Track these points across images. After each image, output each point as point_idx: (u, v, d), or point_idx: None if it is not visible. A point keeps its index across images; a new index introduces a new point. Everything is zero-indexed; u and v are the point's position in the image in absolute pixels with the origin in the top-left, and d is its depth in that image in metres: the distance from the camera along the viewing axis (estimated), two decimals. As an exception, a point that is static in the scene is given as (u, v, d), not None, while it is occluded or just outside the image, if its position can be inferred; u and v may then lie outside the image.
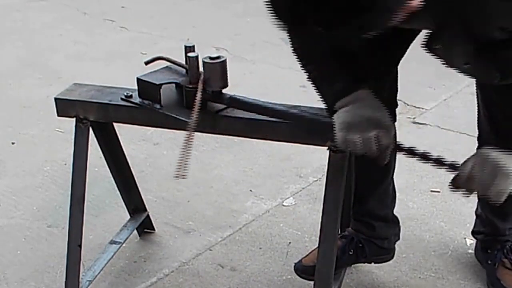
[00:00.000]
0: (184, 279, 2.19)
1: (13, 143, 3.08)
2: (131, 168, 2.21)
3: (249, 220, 2.47)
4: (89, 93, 1.88)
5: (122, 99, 1.81)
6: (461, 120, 3.05)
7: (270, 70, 3.71)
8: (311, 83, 1.60)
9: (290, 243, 2.33)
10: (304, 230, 2.39)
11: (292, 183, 2.68)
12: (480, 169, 1.41)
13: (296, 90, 3.21)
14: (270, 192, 2.62)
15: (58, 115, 1.91)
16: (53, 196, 2.64)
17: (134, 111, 1.80)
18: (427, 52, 1.39)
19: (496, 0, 1.23)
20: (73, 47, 4.24)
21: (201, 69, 1.68)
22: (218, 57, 1.66)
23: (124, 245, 2.24)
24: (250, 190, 2.65)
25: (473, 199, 1.78)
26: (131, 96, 1.80)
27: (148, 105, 1.76)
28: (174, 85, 1.76)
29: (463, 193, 1.45)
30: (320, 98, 1.60)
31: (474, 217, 2.13)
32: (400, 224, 2.09)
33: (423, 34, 1.40)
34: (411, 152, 1.54)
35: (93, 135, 1.95)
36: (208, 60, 1.65)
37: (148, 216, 2.35)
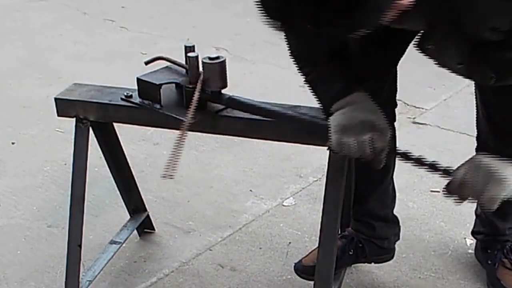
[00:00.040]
0: (184, 279, 2.19)
1: (13, 143, 3.08)
2: (131, 168, 2.21)
3: (249, 220, 2.47)
4: (89, 93, 1.88)
5: (122, 99, 1.81)
6: (461, 120, 3.05)
7: (270, 70, 3.71)
8: (308, 86, 1.60)
9: (290, 243, 2.33)
10: (304, 230, 2.39)
11: (292, 183, 2.68)
12: (473, 175, 1.40)
13: (296, 90, 3.21)
14: (270, 192, 2.63)
15: (58, 115, 1.91)
16: (53, 196, 2.64)
17: (134, 111, 1.80)
18: (420, 52, 1.39)
19: (487, 0, 1.23)
20: (73, 47, 4.24)
21: (201, 69, 1.68)
22: (217, 57, 1.66)
23: (124, 245, 2.24)
24: (250, 190, 2.65)
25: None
26: (131, 96, 1.80)
27: (148, 105, 1.76)
28: (174, 85, 1.76)
29: (456, 199, 1.45)
30: (317, 100, 1.59)
31: (474, 217, 2.13)
32: (400, 224, 2.09)
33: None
34: (406, 156, 1.53)
35: (93, 135, 1.95)
36: (207, 61, 1.65)
37: (148, 216, 2.35)
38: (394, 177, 2.03)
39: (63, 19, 4.75)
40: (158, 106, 1.74)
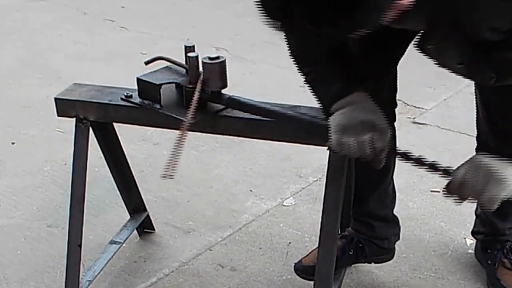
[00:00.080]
0: (184, 279, 2.19)
1: (13, 143, 3.08)
2: (131, 168, 2.21)
3: (249, 220, 2.47)
4: (89, 93, 1.88)
5: (122, 99, 1.81)
6: (461, 120, 3.05)
7: (270, 70, 3.71)
8: (308, 86, 1.60)
9: (290, 243, 2.33)
10: (304, 230, 2.39)
11: (292, 183, 2.68)
12: (472, 175, 1.40)
13: (296, 90, 3.20)
14: (270, 192, 2.63)
15: (58, 115, 1.91)
16: (53, 196, 2.64)
17: (134, 111, 1.80)
18: (420, 52, 1.39)
19: (487, 0, 1.22)
20: (73, 47, 4.24)
21: (201, 69, 1.68)
22: (217, 57, 1.66)
23: (124, 245, 2.24)
24: (250, 190, 2.65)
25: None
26: (131, 96, 1.80)
27: (148, 105, 1.76)
28: (174, 85, 1.76)
29: (456, 199, 1.45)
30: (317, 100, 1.59)
31: (474, 217, 2.13)
32: (400, 224, 2.09)
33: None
34: (406, 156, 1.53)
35: (93, 135, 1.95)
36: (207, 61, 1.65)
37: (148, 216, 2.35)
38: (394, 177, 2.03)
39: (63, 19, 4.75)
40: (158, 106, 1.74)
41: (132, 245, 2.34)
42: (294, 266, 2.12)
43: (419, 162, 1.52)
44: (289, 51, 1.60)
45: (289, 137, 1.69)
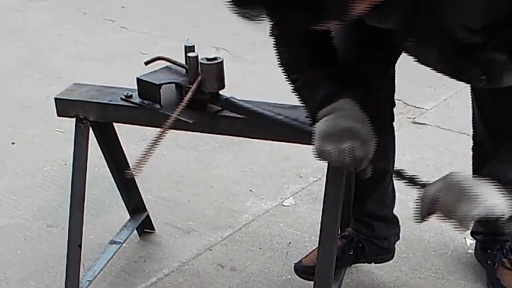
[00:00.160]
0: (184, 279, 2.19)
1: (13, 143, 3.08)
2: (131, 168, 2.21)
3: (249, 220, 2.47)
4: (89, 93, 1.88)
5: (122, 99, 1.81)
6: (461, 120, 3.05)
7: (270, 70, 3.67)
8: (295, 94, 1.58)
9: (290, 243, 2.33)
10: (304, 230, 2.39)
11: (292, 183, 2.68)
12: (445, 192, 1.35)
13: (296, 90, 3.21)
14: (270, 192, 2.63)
15: (58, 115, 1.91)
16: (53, 196, 2.64)
17: (134, 111, 1.80)
18: (399, 47, 1.38)
19: None
20: (73, 47, 4.24)
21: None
22: (215, 58, 1.65)
23: (124, 245, 2.24)
24: (250, 190, 2.65)
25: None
26: (131, 96, 1.80)
27: (148, 105, 1.76)
28: (174, 85, 1.76)
29: (425, 216, 1.40)
30: (304, 107, 1.58)
31: (474, 217, 2.13)
32: (400, 224, 2.09)
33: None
34: (400, 174, 1.49)
35: (93, 135, 1.95)
36: (204, 61, 1.64)
37: (148, 216, 2.35)
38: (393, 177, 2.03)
39: (63, 19, 4.75)
40: (158, 106, 1.74)
41: (132, 245, 2.34)
42: (294, 266, 2.12)
43: (399, 174, 1.49)
44: (278, 60, 1.59)
45: (289, 137, 1.69)
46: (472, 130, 1.87)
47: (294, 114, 1.62)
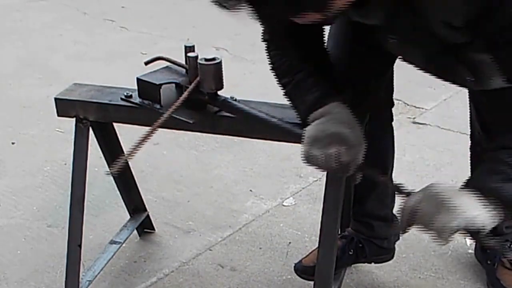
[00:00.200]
0: (184, 279, 2.19)
1: (13, 143, 3.08)
2: (131, 168, 2.21)
3: (249, 220, 2.47)
4: (89, 93, 1.88)
5: (122, 99, 1.81)
6: (461, 120, 3.04)
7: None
8: (287, 98, 1.57)
9: (290, 243, 2.33)
10: (304, 230, 2.39)
11: (292, 183, 2.68)
12: (424, 203, 1.31)
13: (296, 90, 3.21)
14: (270, 192, 2.63)
15: (58, 115, 1.91)
16: (53, 196, 2.64)
17: (134, 111, 1.80)
18: (382, 44, 1.37)
19: None
20: (73, 47, 4.24)
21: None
22: (213, 59, 1.64)
23: (124, 245, 2.24)
24: (250, 190, 2.65)
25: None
26: (131, 96, 1.80)
27: (148, 105, 1.76)
28: (174, 85, 1.76)
29: (405, 227, 1.36)
30: (295, 111, 1.56)
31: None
32: (400, 224, 2.09)
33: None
34: (398, 189, 1.48)
35: (93, 135, 1.95)
36: (203, 62, 1.64)
37: (148, 216, 2.35)
38: (394, 177, 2.03)
39: (63, 19, 4.75)
40: (158, 106, 1.74)
41: (132, 245, 2.34)
42: (294, 266, 2.12)
43: (385, 184, 1.48)
44: (270, 64, 1.58)
45: (289, 137, 1.69)
46: (469, 130, 1.87)
47: (292, 114, 1.62)
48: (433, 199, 1.29)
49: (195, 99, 1.68)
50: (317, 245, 1.77)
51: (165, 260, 2.28)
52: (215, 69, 1.64)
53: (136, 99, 1.79)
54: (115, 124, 2.02)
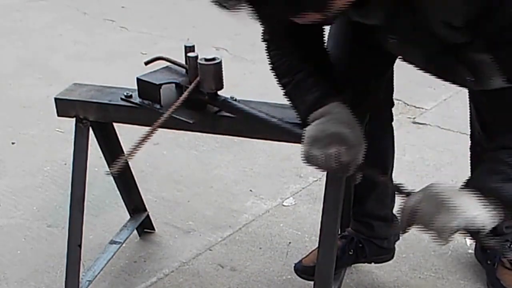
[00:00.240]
0: (184, 279, 2.19)
1: (13, 143, 3.08)
2: (131, 168, 2.21)
3: (249, 220, 2.47)
4: (89, 93, 1.88)
5: (122, 99, 1.81)
6: (461, 120, 3.04)
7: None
8: (287, 98, 1.57)
9: (290, 243, 2.33)
10: (304, 230, 2.39)
11: (292, 183, 2.68)
12: (424, 203, 1.31)
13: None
14: (270, 192, 2.63)
15: (58, 115, 1.91)
16: (53, 196, 2.64)
17: (134, 111, 1.80)
18: (382, 44, 1.37)
19: None
20: (73, 47, 4.24)
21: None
22: (213, 59, 1.64)
23: (124, 245, 2.24)
24: (250, 190, 2.65)
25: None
26: (131, 96, 1.80)
27: (148, 105, 1.76)
28: (174, 85, 1.76)
29: (405, 227, 1.36)
30: (295, 111, 1.56)
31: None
32: (400, 224, 2.09)
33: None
34: (398, 189, 1.49)
35: (93, 135, 1.95)
36: (203, 62, 1.64)
37: (148, 216, 2.35)
38: (393, 177, 2.03)
39: (63, 19, 4.75)
40: (158, 106, 1.74)
41: (132, 245, 2.34)
42: (294, 266, 2.12)
43: (385, 184, 1.47)
44: (270, 64, 1.58)
45: (289, 137, 1.69)
46: (470, 130, 1.87)
47: (292, 114, 1.62)
48: (433, 199, 1.29)
49: (195, 99, 1.68)
50: (317, 245, 1.77)
51: (165, 260, 2.28)
52: (215, 69, 1.64)
53: (136, 99, 1.79)
54: (115, 124, 2.02)
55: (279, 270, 2.20)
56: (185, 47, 1.69)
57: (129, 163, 2.19)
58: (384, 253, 2.09)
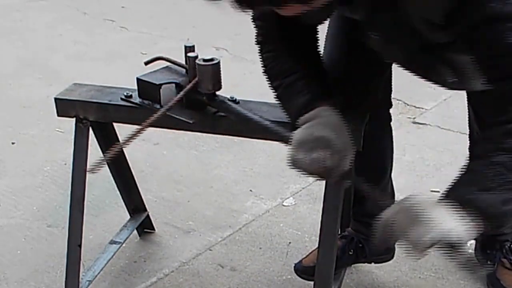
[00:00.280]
0: (184, 279, 2.19)
1: (13, 143, 3.08)
2: (131, 168, 2.21)
3: (249, 220, 2.47)
4: (89, 93, 1.88)
5: (122, 99, 1.81)
6: (461, 120, 3.02)
7: (270, 70, 3.70)
8: (278, 101, 1.56)
9: (290, 243, 2.33)
10: (304, 230, 2.39)
11: (292, 183, 2.68)
12: (399, 215, 1.28)
13: (296, 90, 3.21)
14: (270, 192, 2.63)
15: (58, 115, 1.91)
16: (53, 196, 2.64)
17: (134, 111, 1.80)
18: (364, 41, 1.37)
19: None
20: (73, 47, 4.24)
21: (199, 70, 1.68)
22: (211, 59, 1.65)
23: (124, 245, 2.24)
24: (250, 190, 2.65)
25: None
26: (131, 96, 1.80)
27: (148, 105, 1.76)
28: (174, 85, 1.76)
29: (382, 240, 1.35)
30: (285, 114, 1.55)
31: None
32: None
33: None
34: (359, 183, 1.48)
35: (93, 135, 1.95)
36: (201, 62, 1.64)
37: (148, 216, 2.35)
38: (393, 177, 2.03)
39: (63, 19, 4.75)
40: (158, 106, 1.73)
41: (132, 245, 2.34)
42: (294, 267, 2.12)
43: (368, 193, 1.46)
44: (262, 67, 1.58)
45: (281, 140, 1.69)
46: (468, 130, 1.87)
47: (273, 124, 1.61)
48: (409, 211, 1.26)
49: (194, 99, 1.68)
50: (317, 245, 1.77)
51: (165, 260, 2.28)
52: (213, 70, 1.64)
53: (136, 99, 1.79)
54: (115, 124, 2.02)
55: (279, 270, 2.20)
56: (185, 47, 1.69)
57: (129, 163, 2.20)
58: (384, 253, 2.09)
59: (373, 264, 2.13)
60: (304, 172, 1.41)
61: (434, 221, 1.22)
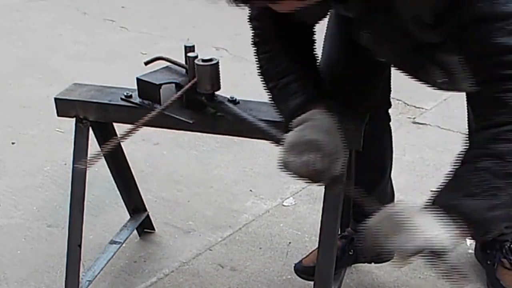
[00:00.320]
0: (184, 279, 2.19)
1: (13, 143, 3.08)
2: (131, 168, 2.21)
3: (249, 220, 2.47)
4: (89, 93, 1.88)
5: (122, 99, 1.81)
6: (461, 120, 3.02)
7: (270, 70, 3.70)
8: (272, 103, 1.56)
9: (290, 243, 2.33)
10: (304, 230, 2.39)
11: (292, 183, 2.68)
12: (384, 223, 1.27)
13: (296, 90, 3.21)
14: (270, 192, 2.63)
15: (58, 115, 1.91)
16: (53, 196, 2.64)
17: (134, 111, 1.80)
18: (355, 39, 1.36)
19: None
20: (73, 47, 4.24)
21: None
22: (210, 60, 1.65)
23: (124, 245, 2.24)
24: (250, 190, 2.65)
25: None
26: (131, 96, 1.81)
27: (148, 105, 1.76)
28: (174, 85, 1.76)
29: (369, 247, 1.33)
30: (280, 116, 1.55)
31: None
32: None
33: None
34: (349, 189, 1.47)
35: (93, 135, 1.95)
36: (199, 63, 1.64)
37: (148, 216, 2.35)
38: (393, 177, 2.03)
39: (63, 19, 4.75)
40: (158, 106, 1.74)
41: (132, 245, 2.34)
42: (294, 267, 2.12)
43: (358, 197, 1.45)
44: (258, 68, 1.57)
45: (276, 142, 1.69)
46: (467, 130, 1.88)
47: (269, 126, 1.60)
48: (393, 219, 1.25)
49: (193, 100, 1.68)
50: (317, 245, 1.77)
51: (165, 260, 2.28)
52: (211, 70, 1.64)
53: (136, 99, 1.79)
54: (115, 124, 2.02)
55: (279, 270, 2.20)
56: (185, 47, 1.69)
57: (129, 163, 2.20)
58: (384, 253, 2.09)
59: (373, 264, 2.13)
60: (294, 175, 1.40)
61: (418, 228, 1.21)
